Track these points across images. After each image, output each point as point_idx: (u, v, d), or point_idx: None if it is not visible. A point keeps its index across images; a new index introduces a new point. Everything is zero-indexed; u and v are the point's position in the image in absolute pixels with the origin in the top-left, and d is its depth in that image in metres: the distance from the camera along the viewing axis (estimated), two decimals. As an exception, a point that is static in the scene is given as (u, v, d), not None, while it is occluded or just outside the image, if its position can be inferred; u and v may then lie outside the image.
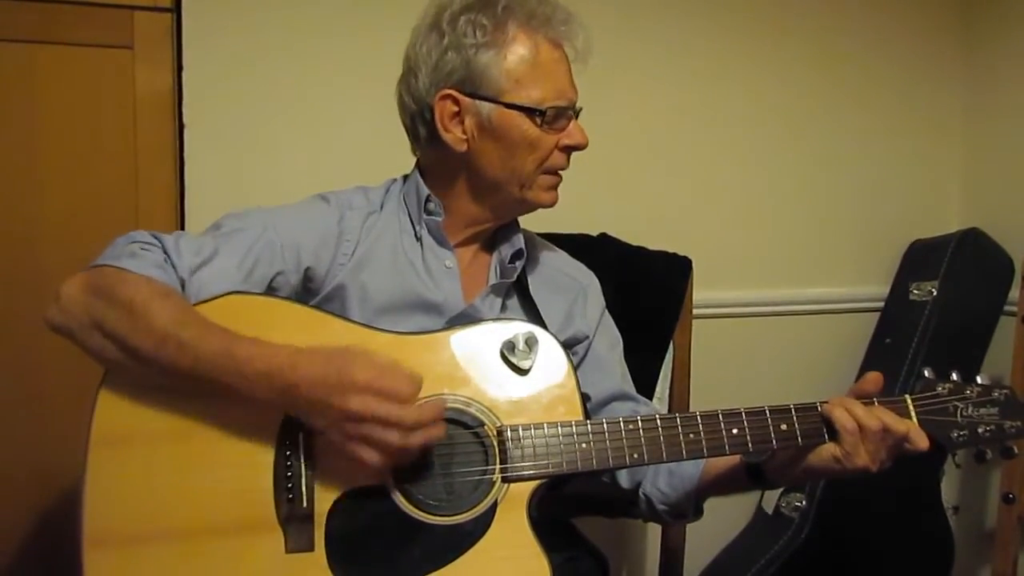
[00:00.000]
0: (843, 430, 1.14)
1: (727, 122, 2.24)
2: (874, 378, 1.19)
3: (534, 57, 1.23)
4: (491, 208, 1.31)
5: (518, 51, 1.22)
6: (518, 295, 1.36)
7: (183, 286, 1.13)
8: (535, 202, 1.29)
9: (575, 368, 1.21)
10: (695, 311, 1.89)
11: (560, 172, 1.30)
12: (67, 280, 1.10)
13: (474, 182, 1.28)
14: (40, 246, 1.78)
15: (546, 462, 1.13)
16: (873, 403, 1.17)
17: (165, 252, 1.13)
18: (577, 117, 1.29)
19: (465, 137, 1.25)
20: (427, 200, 1.30)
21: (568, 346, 1.31)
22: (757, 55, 2.24)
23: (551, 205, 1.30)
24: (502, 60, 1.22)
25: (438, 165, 1.31)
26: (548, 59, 1.24)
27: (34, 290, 1.68)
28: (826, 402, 1.17)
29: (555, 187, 1.30)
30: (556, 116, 1.24)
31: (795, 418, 1.17)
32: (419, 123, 1.28)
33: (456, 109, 1.24)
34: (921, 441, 1.16)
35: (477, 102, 1.23)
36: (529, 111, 1.23)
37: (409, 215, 1.32)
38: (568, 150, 1.28)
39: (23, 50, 1.76)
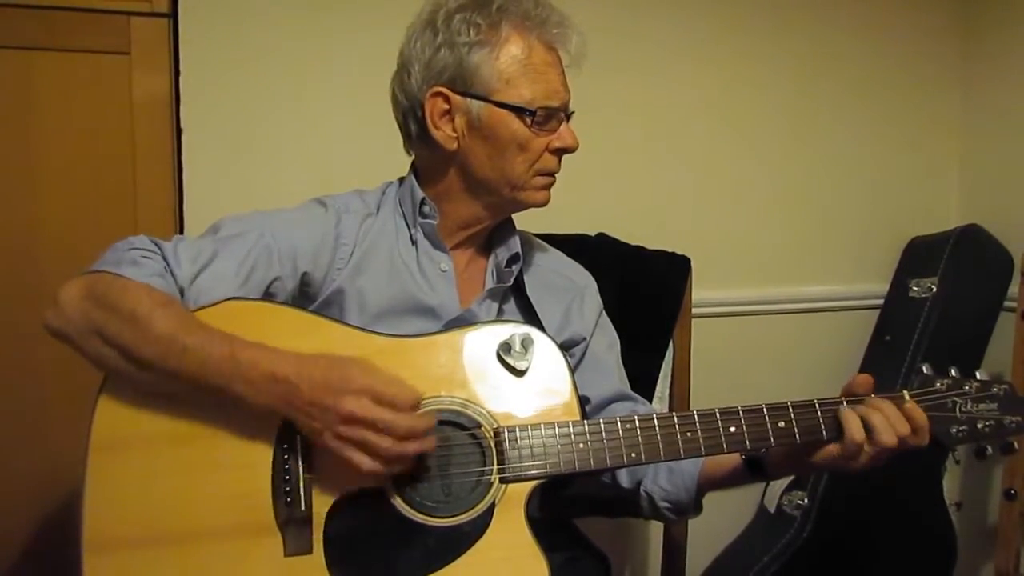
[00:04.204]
0: (850, 441, 1.14)
1: (725, 121, 2.24)
2: (863, 381, 1.19)
3: (526, 58, 1.23)
4: (484, 207, 1.31)
5: (511, 51, 1.22)
6: (515, 297, 1.36)
7: (182, 294, 1.13)
8: (528, 202, 1.30)
9: (572, 369, 1.21)
10: (694, 310, 1.89)
11: (553, 174, 1.30)
12: (66, 284, 1.10)
13: (466, 182, 1.29)
14: (39, 251, 1.78)
15: (543, 463, 1.13)
16: (872, 398, 1.17)
17: (165, 260, 1.14)
18: (569, 120, 1.29)
19: (455, 135, 1.25)
20: (422, 203, 1.30)
21: (565, 348, 1.31)
22: (755, 53, 2.24)
23: (543, 205, 1.30)
24: (494, 59, 1.22)
25: (430, 164, 1.31)
26: (540, 60, 1.24)
27: (33, 295, 1.68)
28: (825, 399, 1.18)
29: (548, 187, 1.30)
30: (546, 117, 1.24)
31: (793, 416, 1.17)
32: (411, 120, 1.29)
33: (447, 107, 1.24)
34: (923, 436, 1.16)
35: (468, 100, 1.23)
36: (519, 111, 1.23)
37: (404, 218, 1.32)
38: (559, 152, 1.28)
39: (21, 57, 1.77)
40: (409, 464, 1.08)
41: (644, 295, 1.80)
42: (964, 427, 1.20)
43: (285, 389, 1.04)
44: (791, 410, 1.17)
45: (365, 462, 1.03)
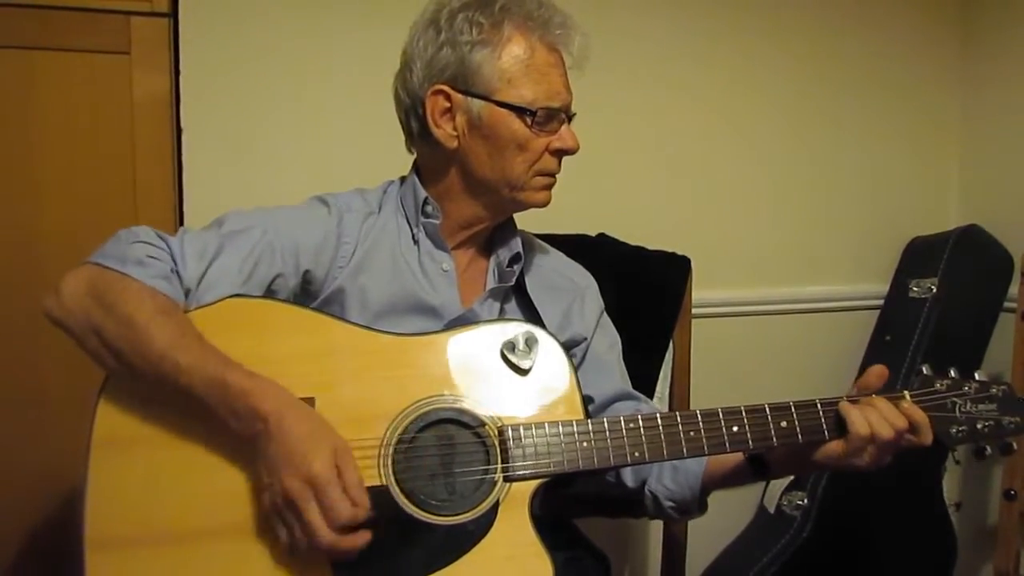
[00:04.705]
0: (855, 435, 1.14)
1: (725, 121, 2.24)
2: (878, 371, 1.19)
3: (528, 58, 1.23)
4: (485, 207, 1.31)
5: (513, 51, 1.22)
6: (516, 297, 1.36)
7: (188, 294, 1.13)
8: (528, 202, 1.30)
9: (575, 368, 1.21)
10: (694, 310, 1.89)
11: (553, 174, 1.29)
12: (69, 275, 1.10)
13: (466, 181, 1.29)
14: (39, 251, 1.78)
15: (547, 461, 1.13)
16: (871, 396, 1.18)
17: (172, 259, 1.13)
18: (570, 122, 1.29)
19: (455, 134, 1.25)
20: (424, 203, 1.30)
21: (566, 348, 1.31)
22: (755, 54, 2.24)
23: (544, 205, 1.31)
24: (496, 59, 1.22)
25: (431, 162, 1.31)
26: (542, 61, 1.24)
27: (33, 294, 1.65)
28: (826, 399, 1.18)
29: (549, 187, 1.30)
30: (547, 118, 1.24)
31: (795, 415, 1.17)
32: (412, 118, 1.29)
33: (448, 105, 1.24)
34: (926, 435, 1.16)
35: (468, 99, 1.23)
36: (519, 111, 1.23)
37: (406, 217, 1.32)
38: (559, 154, 1.28)
39: (21, 56, 1.76)
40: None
41: (644, 295, 1.80)
42: (963, 427, 1.20)
43: (262, 431, 1.03)
44: (793, 410, 1.17)
45: (282, 537, 1.03)
